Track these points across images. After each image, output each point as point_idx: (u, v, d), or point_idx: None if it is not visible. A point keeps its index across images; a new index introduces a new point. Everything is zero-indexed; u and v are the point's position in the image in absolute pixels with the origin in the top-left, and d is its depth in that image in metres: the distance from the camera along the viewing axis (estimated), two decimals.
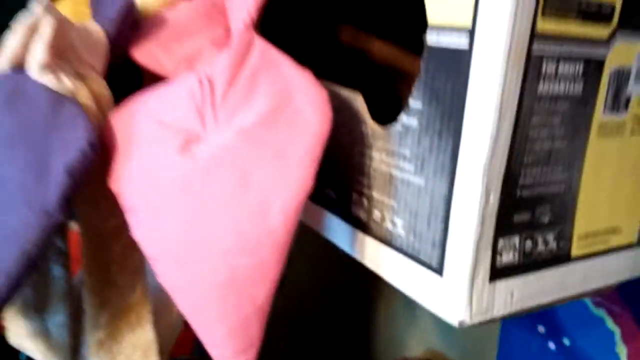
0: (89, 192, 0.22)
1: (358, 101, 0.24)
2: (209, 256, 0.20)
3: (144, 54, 0.22)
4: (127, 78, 0.24)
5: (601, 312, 0.41)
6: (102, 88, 0.21)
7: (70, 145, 0.19)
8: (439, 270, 0.21)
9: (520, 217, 0.21)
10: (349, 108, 0.25)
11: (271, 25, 0.27)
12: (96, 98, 0.21)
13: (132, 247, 0.23)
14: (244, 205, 0.20)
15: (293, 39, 0.31)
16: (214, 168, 0.20)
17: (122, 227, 0.22)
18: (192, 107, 0.20)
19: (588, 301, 0.41)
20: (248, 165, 0.20)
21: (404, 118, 0.22)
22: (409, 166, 0.22)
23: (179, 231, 0.20)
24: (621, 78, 0.22)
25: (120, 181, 0.20)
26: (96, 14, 0.22)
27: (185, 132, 0.20)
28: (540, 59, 0.19)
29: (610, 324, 0.40)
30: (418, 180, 0.22)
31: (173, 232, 0.20)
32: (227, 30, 0.24)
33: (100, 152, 0.20)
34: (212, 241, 0.20)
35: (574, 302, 0.40)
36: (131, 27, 0.22)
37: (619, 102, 0.23)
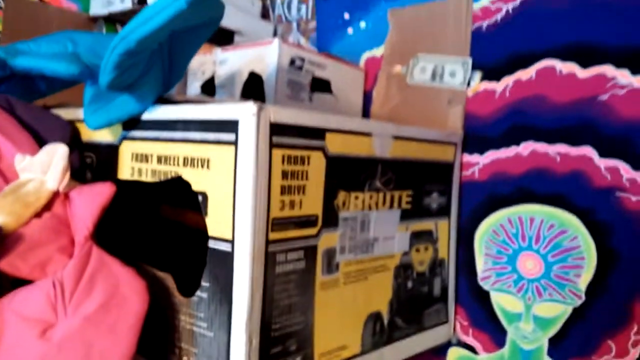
0: None
1: (169, 280, 0.36)
2: None
3: (6, 264, 0.31)
4: None
5: None
6: None
7: None
8: None
9: (276, 350, 0.34)
10: (164, 285, 0.36)
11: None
12: None
13: None
14: None
15: (126, 222, 0.42)
16: (65, 346, 0.29)
17: None
18: (48, 304, 0.30)
19: None
20: (90, 340, 0.30)
21: (198, 292, 0.34)
22: (203, 324, 0.34)
23: None
24: (330, 254, 0.37)
25: None
26: None
27: (42, 322, 0.29)
28: (274, 254, 0.33)
29: None
30: (210, 334, 0.33)
31: None
32: (72, 239, 0.34)
33: None
34: None
35: None
36: None
37: (331, 267, 0.38)
